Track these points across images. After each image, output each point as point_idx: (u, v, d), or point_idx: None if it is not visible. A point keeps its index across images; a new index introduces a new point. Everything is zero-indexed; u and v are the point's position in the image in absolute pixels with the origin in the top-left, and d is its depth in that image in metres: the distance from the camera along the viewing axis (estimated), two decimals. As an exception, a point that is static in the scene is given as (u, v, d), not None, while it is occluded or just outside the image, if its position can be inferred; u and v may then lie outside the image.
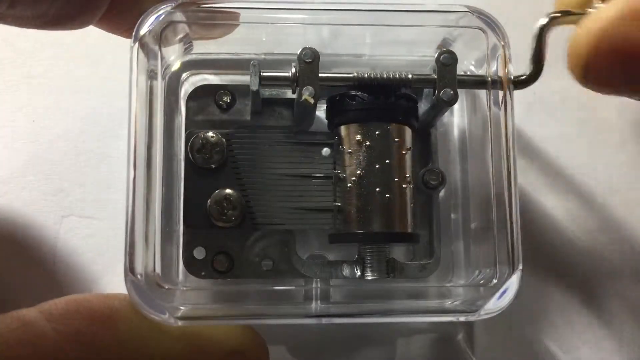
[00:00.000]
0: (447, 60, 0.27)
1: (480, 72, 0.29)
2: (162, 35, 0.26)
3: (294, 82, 0.27)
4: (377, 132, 0.27)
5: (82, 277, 0.31)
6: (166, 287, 0.26)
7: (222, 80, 0.30)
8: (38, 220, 0.31)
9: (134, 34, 0.26)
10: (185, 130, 0.29)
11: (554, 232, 0.32)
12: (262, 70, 0.27)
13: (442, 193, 0.31)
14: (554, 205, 0.32)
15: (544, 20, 0.27)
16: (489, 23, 0.27)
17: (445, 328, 0.31)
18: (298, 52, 0.27)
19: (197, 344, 0.25)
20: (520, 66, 0.27)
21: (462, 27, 0.28)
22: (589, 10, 0.25)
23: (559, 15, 0.26)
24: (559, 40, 0.34)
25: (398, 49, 0.30)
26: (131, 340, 0.24)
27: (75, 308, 0.24)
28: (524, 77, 0.27)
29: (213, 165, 0.29)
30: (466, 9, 0.27)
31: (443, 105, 0.27)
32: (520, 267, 0.26)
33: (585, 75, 0.24)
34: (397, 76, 0.27)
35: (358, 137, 0.28)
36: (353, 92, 0.28)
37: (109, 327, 0.24)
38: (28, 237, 0.31)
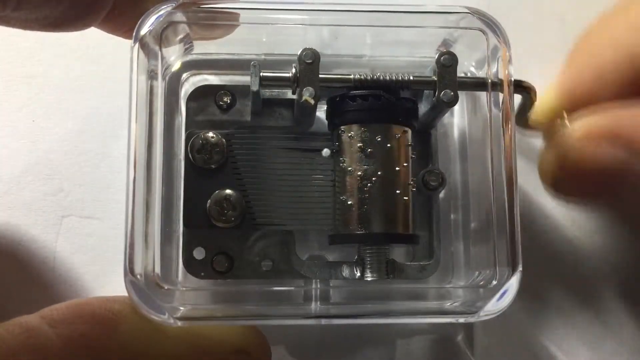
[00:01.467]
0: (447, 61, 0.27)
1: (481, 73, 0.28)
2: (162, 36, 0.26)
3: (294, 83, 0.27)
4: (377, 133, 0.27)
5: (82, 277, 0.31)
6: (166, 287, 0.26)
7: (222, 81, 0.30)
8: (38, 220, 0.31)
9: (134, 34, 0.26)
10: (186, 130, 0.29)
11: (554, 233, 0.32)
12: (262, 71, 0.27)
13: (442, 194, 0.31)
14: (554, 206, 0.32)
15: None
16: (490, 24, 0.27)
17: (445, 329, 0.31)
18: (298, 53, 0.27)
19: (200, 344, 0.25)
20: (520, 66, 0.27)
21: (462, 28, 0.28)
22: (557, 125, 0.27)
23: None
24: (559, 39, 0.34)
25: (398, 49, 0.30)
26: (134, 343, 0.24)
27: (76, 312, 0.24)
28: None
29: (213, 166, 0.29)
30: (467, 10, 0.27)
31: (443, 106, 0.27)
32: (520, 268, 0.26)
33: (555, 190, 0.27)
34: (397, 77, 0.27)
35: (358, 137, 0.27)
36: (353, 93, 0.28)
37: (111, 330, 0.24)
38: (28, 237, 0.31)
